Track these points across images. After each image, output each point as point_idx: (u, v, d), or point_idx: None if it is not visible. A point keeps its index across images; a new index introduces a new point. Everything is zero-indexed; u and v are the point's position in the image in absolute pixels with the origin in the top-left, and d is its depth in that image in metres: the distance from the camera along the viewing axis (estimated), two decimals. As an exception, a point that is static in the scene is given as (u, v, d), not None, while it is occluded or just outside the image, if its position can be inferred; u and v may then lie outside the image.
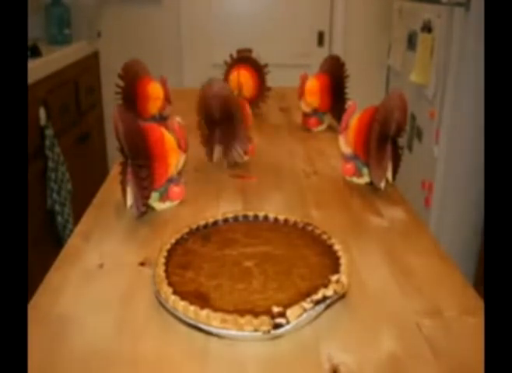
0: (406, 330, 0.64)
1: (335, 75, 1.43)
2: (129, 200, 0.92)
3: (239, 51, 1.59)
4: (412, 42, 2.10)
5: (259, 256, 0.75)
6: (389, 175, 1.02)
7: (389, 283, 0.74)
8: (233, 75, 1.53)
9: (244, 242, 0.78)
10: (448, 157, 1.85)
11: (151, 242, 0.85)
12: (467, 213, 1.90)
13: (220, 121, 1.14)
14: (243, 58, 1.56)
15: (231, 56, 1.57)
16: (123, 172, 0.92)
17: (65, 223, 2.09)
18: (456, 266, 0.79)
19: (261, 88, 1.57)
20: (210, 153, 1.18)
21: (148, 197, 0.92)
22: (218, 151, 1.17)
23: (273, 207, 0.97)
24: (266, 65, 1.55)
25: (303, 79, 1.45)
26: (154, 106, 1.41)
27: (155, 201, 0.96)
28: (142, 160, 0.89)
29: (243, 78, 1.52)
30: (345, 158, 1.12)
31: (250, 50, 1.59)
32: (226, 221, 0.84)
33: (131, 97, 1.37)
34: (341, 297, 0.68)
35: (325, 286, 0.65)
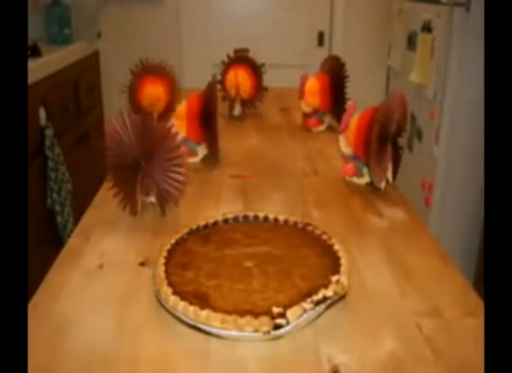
0: (406, 330, 0.64)
1: (335, 75, 1.42)
2: (127, 202, 0.92)
3: (236, 51, 1.59)
4: (411, 42, 2.10)
5: (259, 256, 0.75)
6: (389, 175, 1.02)
7: (389, 283, 0.74)
8: (231, 75, 1.53)
9: (244, 243, 0.78)
10: (448, 157, 1.85)
11: (151, 242, 0.85)
12: (467, 213, 1.90)
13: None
14: (241, 58, 1.56)
15: (228, 56, 1.57)
16: (116, 174, 0.91)
17: (65, 223, 2.08)
18: (456, 266, 0.79)
19: (258, 88, 1.57)
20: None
21: (148, 198, 0.92)
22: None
23: (273, 208, 0.97)
24: (263, 65, 1.56)
25: (304, 79, 1.45)
26: (154, 106, 1.40)
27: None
28: (143, 160, 0.89)
29: (240, 78, 1.52)
30: (345, 159, 1.12)
31: (247, 50, 1.59)
32: (226, 221, 0.84)
33: (132, 97, 1.37)
34: (341, 297, 0.68)
35: (325, 286, 0.65)
